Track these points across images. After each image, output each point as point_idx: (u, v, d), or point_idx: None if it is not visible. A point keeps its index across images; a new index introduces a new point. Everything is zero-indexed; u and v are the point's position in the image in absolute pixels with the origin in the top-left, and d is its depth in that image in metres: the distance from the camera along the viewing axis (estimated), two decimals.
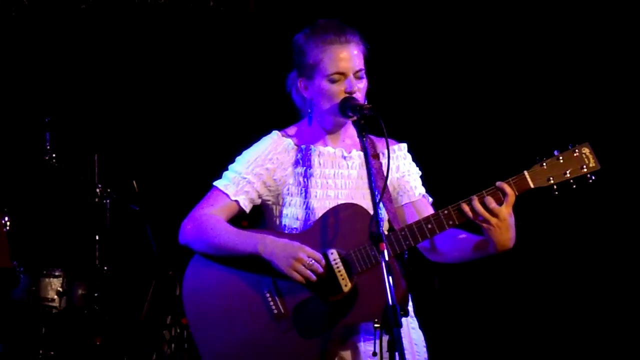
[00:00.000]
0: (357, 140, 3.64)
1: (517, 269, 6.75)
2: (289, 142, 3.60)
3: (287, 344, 3.40)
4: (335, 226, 3.43)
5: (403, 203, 3.67)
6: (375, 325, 3.19)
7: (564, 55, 6.68)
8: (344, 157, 3.62)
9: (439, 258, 3.63)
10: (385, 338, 3.01)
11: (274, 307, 3.42)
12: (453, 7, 6.99)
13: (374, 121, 3.28)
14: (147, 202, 6.76)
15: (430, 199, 3.71)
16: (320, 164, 3.59)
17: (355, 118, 3.39)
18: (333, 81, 3.49)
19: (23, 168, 7.15)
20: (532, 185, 3.34)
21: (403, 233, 3.40)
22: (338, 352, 3.46)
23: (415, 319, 3.61)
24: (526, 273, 6.80)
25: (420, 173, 3.74)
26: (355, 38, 3.54)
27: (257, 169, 3.56)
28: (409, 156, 3.75)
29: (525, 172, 3.35)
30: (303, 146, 3.60)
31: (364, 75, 3.54)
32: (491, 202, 3.31)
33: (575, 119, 6.45)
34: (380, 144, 3.67)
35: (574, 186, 3.34)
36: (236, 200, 3.55)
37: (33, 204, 7.24)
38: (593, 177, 3.33)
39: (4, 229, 6.25)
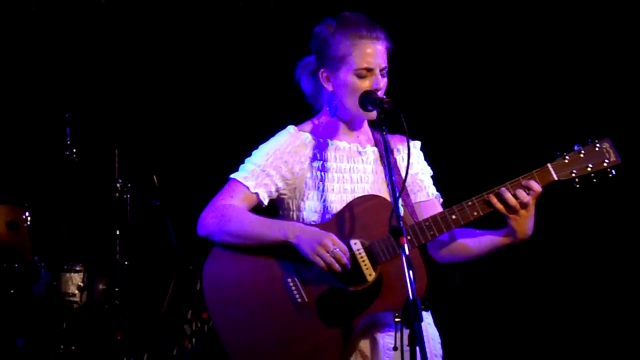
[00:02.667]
0: (371, 135, 3.69)
1: (539, 264, 6.72)
2: (307, 136, 3.59)
3: (311, 333, 3.39)
4: (358, 217, 3.43)
5: (418, 201, 3.68)
6: (396, 319, 3.19)
7: (577, 52, 6.63)
8: (359, 152, 3.62)
9: (457, 256, 3.64)
10: (406, 332, 3.00)
11: (297, 296, 3.41)
12: (462, 2, 6.95)
13: (395, 114, 3.27)
14: (168, 197, 6.77)
15: (441, 199, 3.73)
16: (336, 159, 3.59)
17: (374, 112, 3.39)
18: (360, 76, 3.48)
19: (43, 163, 7.18)
20: (555, 178, 3.36)
21: (427, 223, 3.40)
22: (358, 343, 3.46)
23: (430, 314, 3.60)
24: (548, 269, 6.76)
25: (431, 173, 3.76)
26: (384, 35, 3.55)
27: (276, 162, 3.55)
28: (421, 154, 3.76)
29: (549, 165, 3.37)
30: (321, 140, 3.60)
31: (386, 75, 3.54)
32: (521, 194, 3.32)
33: (585, 118, 6.41)
34: (393, 140, 3.68)
35: (595, 180, 3.34)
36: (256, 193, 3.54)
37: (53, 199, 7.27)
38: (614, 172, 3.34)
39: (25, 224, 6.28)
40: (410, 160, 3.62)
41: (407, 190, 3.63)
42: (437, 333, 3.61)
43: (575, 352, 6.62)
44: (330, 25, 3.57)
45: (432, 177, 3.76)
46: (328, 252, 3.31)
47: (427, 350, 3.10)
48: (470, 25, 6.94)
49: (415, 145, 3.74)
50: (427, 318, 3.57)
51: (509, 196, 3.34)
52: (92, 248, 7.17)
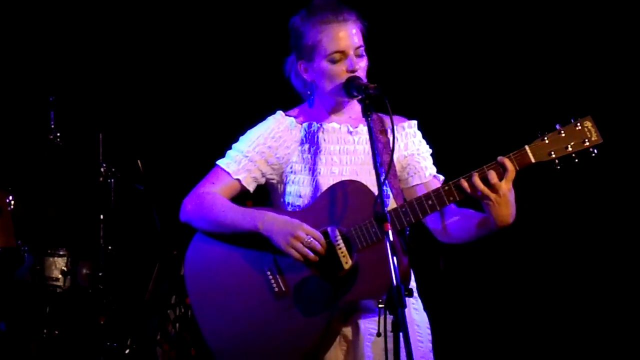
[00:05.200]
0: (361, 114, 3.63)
1: (525, 251, 6.74)
2: (292, 121, 3.59)
3: (289, 322, 3.39)
4: (337, 203, 3.42)
5: (414, 184, 3.64)
6: (380, 305, 3.18)
7: (567, 30, 6.64)
8: (350, 132, 3.59)
9: (448, 239, 3.60)
10: (390, 318, 2.99)
11: (274, 285, 3.42)
12: None
13: (380, 99, 3.26)
14: (152, 182, 6.74)
15: (442, 178, 3.68)
16: (324, 141, 3.57)
17: (360, 97, 3.38)
18: (333, 61, 3.47)
19: (27, 147, 7.14)
20: (533, 160, 3.30)
21: (404, 209, 3.38)
22: (340, 329, 3.45)
23: (418, 300, 3.59)
24: (533, 255, 6.78)
25: (430, 151, 3.71)
26: (352, 16, 3.51)
27: (259, 148, 3.55)
28: (418, 134, 3.71)
29: (527, 147, 3.31)
30: (306, 124, 3.59)
31: (364, 53, 3.51)
32: (492, 178, 3.27)
33: (577, 93, 6.42)
34: (388, 120, 3.63)
35: (576, 160, 3.30)
36: (238, 179, 3.55)
37: (37, 183, 7.24)
38: (595, 151, 3.30)
39: (9, 208, 6.25)
40: (405, 141, 3.63)
41: (394, 172, 3.59)
42: (425, 319, 3.59)
43: (561, 336, 6.65)
44: (300, 17, 3.56)
45: (431, 155, 3.70)
46: (302, 243, 3.31)
47: (411, 336, 3.11)
48: (458, 8, 6.95)
49: (411, 124, 3.69)
50: (415, 304, 3.57)
51: (477, 181, 3.28)
52: (75, 232, 7.15)
